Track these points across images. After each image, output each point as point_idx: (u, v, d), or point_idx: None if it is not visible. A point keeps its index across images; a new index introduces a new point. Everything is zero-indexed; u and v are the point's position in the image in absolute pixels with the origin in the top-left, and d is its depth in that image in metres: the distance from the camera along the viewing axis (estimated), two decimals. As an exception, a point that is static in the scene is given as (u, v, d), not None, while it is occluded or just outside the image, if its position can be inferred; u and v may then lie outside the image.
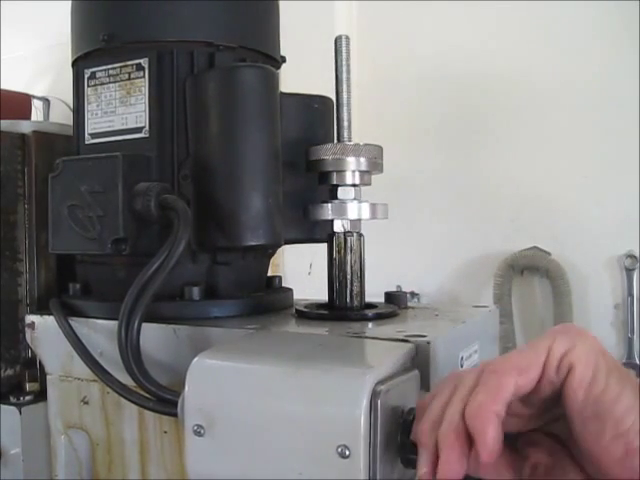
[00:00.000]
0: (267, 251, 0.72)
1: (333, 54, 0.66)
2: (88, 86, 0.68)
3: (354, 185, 0.65)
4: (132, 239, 0.61)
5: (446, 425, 0.39)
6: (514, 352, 0.41)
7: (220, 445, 0.45)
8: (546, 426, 0.43)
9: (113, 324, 0.58)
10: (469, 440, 0.38)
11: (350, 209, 0.65)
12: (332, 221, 0.66)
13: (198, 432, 0.45)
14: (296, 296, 0.76)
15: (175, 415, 0.50)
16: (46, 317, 0.67)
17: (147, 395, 0.55)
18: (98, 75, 0.67)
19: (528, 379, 0.39)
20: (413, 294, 1.83)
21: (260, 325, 0.60)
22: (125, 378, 0.57)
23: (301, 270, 1.76)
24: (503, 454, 0.40)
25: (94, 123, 0.68)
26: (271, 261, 0.76)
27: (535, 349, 0.39)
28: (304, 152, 0.67)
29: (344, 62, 0.66)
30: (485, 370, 0.40)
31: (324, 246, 0.67)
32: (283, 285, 0.77)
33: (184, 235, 0.57)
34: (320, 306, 0.67)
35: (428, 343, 0.50)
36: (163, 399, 0.54)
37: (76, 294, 0.70)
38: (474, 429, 0.38)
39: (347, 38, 0.66)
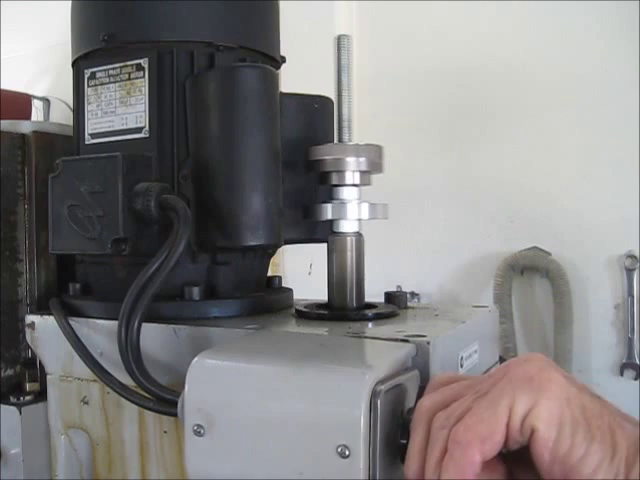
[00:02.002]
0: (267, 251, 0.72)
1: (333, 54, 0.66)
2: (88, 86, 0.68)
3: (354, 185, 0.65)
4: (132, 239, 0.61)
5: None
6: (476, 411, 0.39)
7: (220, 445, 0.45)
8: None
9: (113, 324, 0.58)
10: None
11: (350, 209, 0.65)
12: (332, 221, 0.66)
13: (198, 432, 0.45)
14: (296, 296, 0.76)
15: (175, 415, 0.50)
16: (46, 317, 0.67)
17: (147, 395, 0.55)
18: (98, 75, 0.67)
19: (493, 446, 0.38)
20: (413, 294, 1.83)
21: (260, 325, 0.60)
22: (125, 378, 0.57)
23: (301, 270, 1.76)
24: (496, 470, 0.41)
25: (94, 123, 0.68)
26: (271, 261, 0.76)
27: (496, 410, 0.38)
28: (304, 152, 0.67)
29: (344, 62, 0.66)
30: (450, 437, 0.39)
31: (324, 246, 0.67)
32: (283, 285, 0.77)
33: (184, 235, 0.57)
34: (320, 306, 0.67)
35: (428, 343, 0.50)
36: (163, 399, 0.54)
37: (76, 294, 0.70)
38: None
39: (348, 38, 0.66)
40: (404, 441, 0.43)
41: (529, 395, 0.38)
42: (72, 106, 0.71)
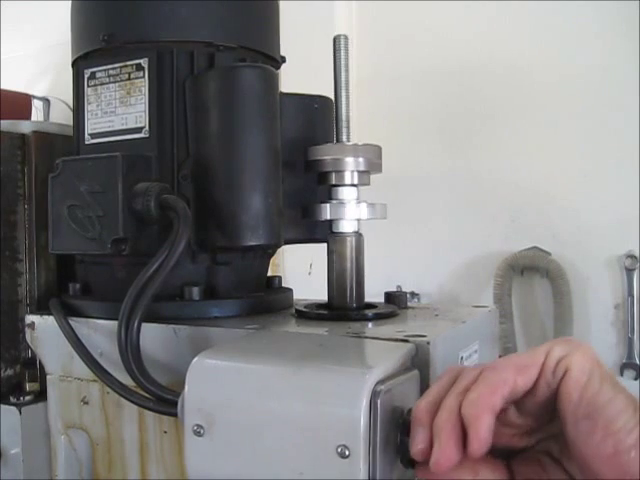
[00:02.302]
0: (267, 251, 0.72)
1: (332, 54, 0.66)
2: (88, 86, 0.68)
3: (353, 185, 0.65)
4: (132, 239, 0.61)
5: (444, 414, 0.40)
6: (513, 355, 0.42)
7: (220, 445, 0.45)
8: (538, 445, 0.43)
9: (113, 324, 0.58)
10: (464, 435, 0.39)
11: (349, 209, 0.65)
12: (331, 221, 0.66)
13: (198, 432, 0.45)
14: (296, 296, 0.76)
15: (175, 415, 0.50)
16: (46, 317, 0.67)
17: (147, 395, 0.56)
18: (98, 75, 0.67)
19: (526, 377, 0.40)
20: (413, 294, 1.83)
21: (260, 325, 0.60)
22: (125, 378, 0.57)
23: (301, 270, 1.76)
24: (497, 469, 0.41)
25: (94, 123, 0.68)
26: (271, 261, 0.76)
27: (534, 352, 0.41)
28: (304, 152, 0.67)
29: (343, 62, 0.66)
30: (485, 368, 0.41)
31: (324, 246, 0.67)
32: (283, 285, 0.77)
33: (184, 235, 0.57)
34: (320, 306, 0.67)
35: (428, 343, 0.50)
36: (163, 399, 0.54)
37: (76, 294, 0.70)
38: (469, 417, 0.39)
39: (346, 38, 0.66)
40: (404, 440, 0.43)
41: (565, 347, 0.40)
42: (72, 106, 0.71)
